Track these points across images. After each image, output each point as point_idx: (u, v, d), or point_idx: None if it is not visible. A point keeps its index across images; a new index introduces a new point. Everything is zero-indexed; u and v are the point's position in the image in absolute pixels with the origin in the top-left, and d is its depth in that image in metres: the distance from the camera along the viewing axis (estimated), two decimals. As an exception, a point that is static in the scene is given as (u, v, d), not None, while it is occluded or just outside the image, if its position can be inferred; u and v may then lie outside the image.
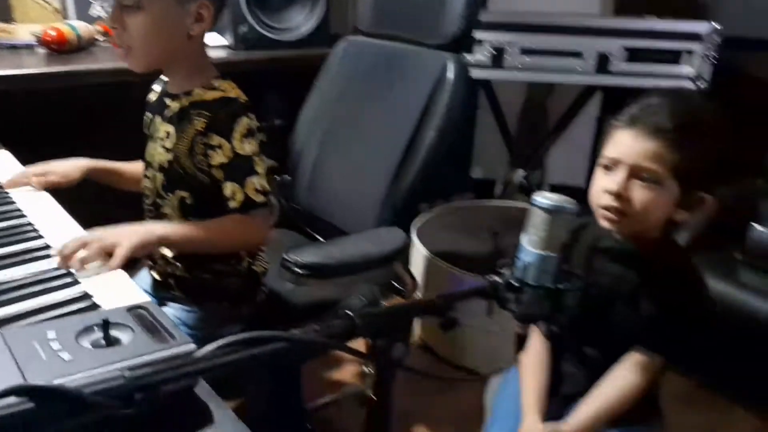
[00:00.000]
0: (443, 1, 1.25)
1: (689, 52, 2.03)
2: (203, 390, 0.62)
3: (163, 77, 1.16)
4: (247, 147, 1.02)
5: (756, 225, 1.74)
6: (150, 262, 1.19)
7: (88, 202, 1.14)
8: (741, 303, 1.65)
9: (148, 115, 1.17)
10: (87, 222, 1.01)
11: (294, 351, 0.47)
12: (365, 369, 1.34)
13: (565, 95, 2.56)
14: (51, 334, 0.61)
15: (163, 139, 1.09)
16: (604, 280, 0.95)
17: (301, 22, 1.95)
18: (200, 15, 1.02)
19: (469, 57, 1.95)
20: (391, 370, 0.56)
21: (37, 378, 0.53)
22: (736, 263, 1.77)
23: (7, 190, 1.11)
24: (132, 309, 0.69)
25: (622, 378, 0.93)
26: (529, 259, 0.72)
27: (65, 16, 1.96)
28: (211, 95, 1.04)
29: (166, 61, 1.07)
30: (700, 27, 2.02)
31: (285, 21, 1.95)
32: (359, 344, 0.57)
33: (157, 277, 1.17)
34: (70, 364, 0.57)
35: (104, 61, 1.67)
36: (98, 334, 0.63)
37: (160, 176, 1.10)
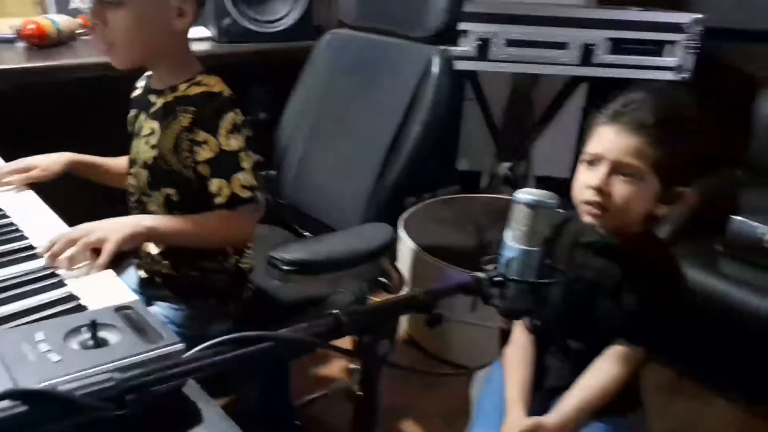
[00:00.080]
0: (427, -5, 1.26)
1: (672, 43, 2.05)
2: (192, 389, 0.63)
3: (147, 73, 1.16)
4: (233, 143, 1.02)
5: (736, 217, 1.77)
6: (136, 260, 1.19)
7: (73, 199, 1.14)
8: (722, 293, 1.67)
9: (133, 111, 1.16)
10: (72, 219, 1.01)
11: (282, 350, 0.48)
12: (352, 366, 1.34)
13: (551, 86, 2.57)
14: (39, 336, 0.62)
15: (147, 135, 1.08)
16: (588, 274, 0.96)
17: (284, 15, 1.95)
18: (182, 10, 1.01)
19: (454, 49, 1.96)
20: (378, 366, 0.57)
21: (27, 380, 0.54)
22: (716, 254, 1.80)
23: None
24: (119, 309, 0.69)
25: (604, 370, 0.95)
26: (512, 255, 0.72)
27: (45, 10, 1.94)
28: (195, 90, 1.04)
29: (150, 57, 1.06)
30: (682, 18, 2.03)
31: (268, 13, 1.94)
32: (346, 341, 0.58)
33: (143, 275, 1.17)
34: (59, 365, 0.57)
35: (85, 55, 1.65)
36: (86, 335, 0.63)
37: (145, 173, 1.09)
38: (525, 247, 0.72)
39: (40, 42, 1.69)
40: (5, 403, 0.39)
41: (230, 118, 1.02)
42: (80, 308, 0.73)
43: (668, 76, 2.06)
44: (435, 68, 1.25)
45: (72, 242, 0.86)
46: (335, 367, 1.80)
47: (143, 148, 1.09)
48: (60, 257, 0.84)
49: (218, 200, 1.01)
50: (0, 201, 1.05)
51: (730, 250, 1.79)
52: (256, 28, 1.89)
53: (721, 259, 1.79)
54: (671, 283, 0.96)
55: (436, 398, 1.68)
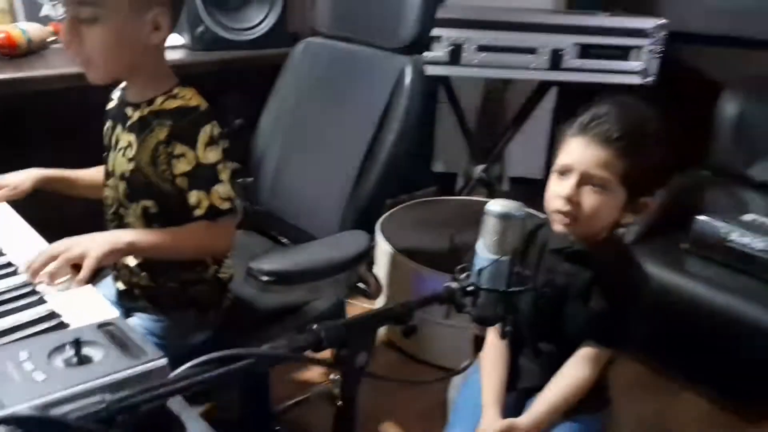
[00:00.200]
0: (399, 6, 1.28)
1: (637, 48, 2.11)
2: (174, 400, 0.65)
3: (122, 84, 1.16)
4: (211, 155, 1.03)
5: (700, 217, 1.83)
6: (114, 272, 1.19)
7: (49, 213, 1.14)
8: (688, 291, 1.73)
9: (108, 123, 1.16)
10: (48, 233, 1.01)
11: (264, 365, 0.50)
12: (332, 376, 1.37)
13: (523, 89, 2.63)
14: (23, 355, 0.62)
15: (124, 148, 1.08)
16: (558, 279, 1.01)
17: (258, 22, 1.95)
18: (157, 24, 1.01)
19: (426, 54, 1.99)
20: (357, 377, 0.59)
21: (14, 400, 0.55)
22: (682, 253, 1.87)
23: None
24: (102, 326, 0.70)
25: (573, 372, 1.00)
26: (483, 264, 0.76)
27: (14, 18, 1.91)
28: (172, 104, 1.05)
29: (126, 71, 1.07)
30: (647, 23, 2.10)
31: (242, 21, 1.94)
32: (326, 352, 0.61)
33: (122, 287, 1.17)
34: (45, 384, 0.58)
35: (57, 65, 1.63)
36: (70, 353, 0.64)
37: (122, 185, 1.09)
38: (496, 257, 0.75)
39: (10, 52, 1.67)
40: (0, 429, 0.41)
41: (207, 130, 1.03)
42: (62, 325, 0.74)
43: (634, 80, 2.13)
44: (408, 78, 1.27)
45: (53, 258, 0.87)
46: (315, 372, 1.82)
47: (120, 161, 1.09)
48: (41, 273, 0.85)
49: (197, 212, 1.02)
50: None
51: (695, 249, 1.85)
52: (230, 36, 1.89)
53: (687, 257, 1.86)
54: (635, 285, 1.00)
55: (414, 400, 1.71)
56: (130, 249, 1.00)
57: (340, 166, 1.34)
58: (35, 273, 0.84)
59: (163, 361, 0.64)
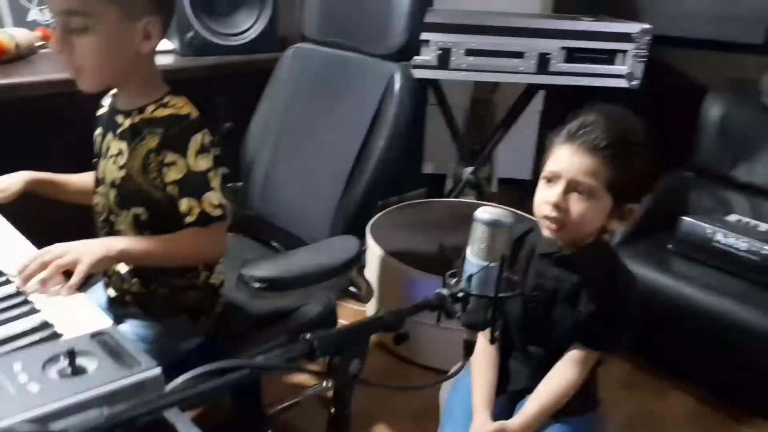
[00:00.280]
0: (387, 14, 1.29)
1: (623, 52, 2.14)
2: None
3: (113, 91, 1.16)
4: (202, 163, 1.03)
5: (686, 218, 1.86)
6: (106, 279, 1.19)
7: (38, 219, 1.14)
8: (674, 291, 1.76)
9: (99, 130, 1.16)
10: (38, 239, 1.01)
11: (258, 374, 0.51)
12: (325, 383, 1.38)
13: (511, 92, 2.65)
14: (17, 367, 0.63)
15: (115, 156, 1.08)
16: (547, 283, 1.02)
17: (248, 28, 1.96)
18: (148, 32, 1.02)
19: (416, 58, 2.01)
20: (350, 385, 0.60)
21: (10, 413, 0.55)
22: (668, 254, 1.90)
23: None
24: (95, 335, 0.71)
25: (562, 374, 1.02)
26: (472, 270, 0.77)
27: (1, 24, 1.90)
28: (163, 112, 1.05)
29: (117, 79, 1.07)
30: (631, 28, 2.13)
31: (232, 26, 1.95)
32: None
33: (113, 294, 1.17)
34: (40, 396, 0.59)
35: (46, 71, 1.63)
36: (64, 363, 0.65)
37: (113, 193, 1.09)
38: (485, 263, 0.77)
39: (-1, 57, 1.66)
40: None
41: (198, 139, 1.03)
42: (55, 335, 0.75)
43: (620, 83, 2.15)
44: (397, 84, 1.29)
45: (44, 264, 0.87)
46: (307, 375, 1.83)
47: (111, 168, 1.09)
48: (32, 279, 0.86)
49: (189, 219, 1.03)
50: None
51: (681, 250, 1.88)
52: (220, 41, 1.90)
53: (673, 257, 1.89)
54: (622, 288, 1.02)
55: (406, 402, 1.72)
56: (122, 256, 1.00)
57: (330, 171, 1.35)
58: (27, 280, 0.85)
59: (157, 371, 0.65)
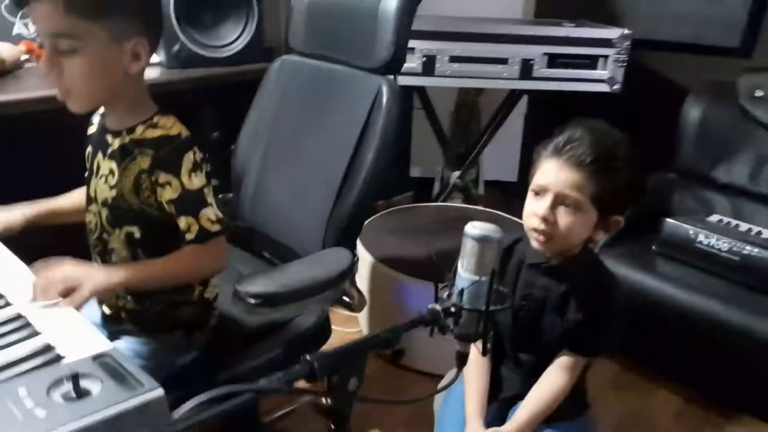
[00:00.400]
0: (374, 29, 1.31)
1: (604, 57, 2.19)
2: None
3: (101, 110, 1.17)
4: (196, 181, 1.04)
5: (670, 220, 1.90)
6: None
7: (32, 240, 1.15)
8: (659, 291, 1.80)
9: (90, 149, 1.17)
10: (31, 260, 1.02)
11: (261, 397, 0.53)
12: (324, 400, 1.38)
13: (495, 96, 2.69)
14: (22, 392, 0.64)
15: (106, 175, 1.09)
16: (536, 292, 1.06)
17: (234, 39, 1.96)
18: (137, 53, 1.02)
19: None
20: (348, 402, 0.62)
21: (19, 440, 0.57)
22: (653, 255, 1.94)
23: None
24: (97, 357, 0.72)
25: (552, 380, 1.05)
26: (464, 284, 0.80)
27: (-15, 39, 1.89)
28: (154, 133, 1.05)
29: (106, 99, 1.07)
30: (612, 33, 2.17)
31: (218, 38, 1.95)
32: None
33: (107, 311, 1.18)
34: (48, 421, 0.60)
35: (33, 87, 1.62)
36: (68, 387, 0.66)
37: (105, 212, 1.10)
38: (476, 278, 0.79)
39: (-15, 74, 1.66)
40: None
41: (190, 157, 1.04)
42: (57, 358, 0.76)
43: (602, 87, 2.20)
44: (385, 97, 1.30)
45: (52, 281, 0.90)
46: (302, 382, 1.84)
47: (102, 188, 1.10)
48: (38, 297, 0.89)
49: (188, 236, 1.04)
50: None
51: (665, 251, 1.92)
52: (206, 53, 1.90)
53: (657, 259, 1.93)
54: (608, 296, 1.06)
55: (399, 407, 1.74)
56: (123, 287, 1.03)
57: (321, 183, 1.37)
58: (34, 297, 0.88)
59: (160, 392, 0.66)
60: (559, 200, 0.97)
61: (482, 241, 0.79)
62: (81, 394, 0.65)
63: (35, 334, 0.81)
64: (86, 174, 1.17)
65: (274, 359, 1.23)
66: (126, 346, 1.13)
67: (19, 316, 0.85)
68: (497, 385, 1.11)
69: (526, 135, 3.12)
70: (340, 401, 0.62)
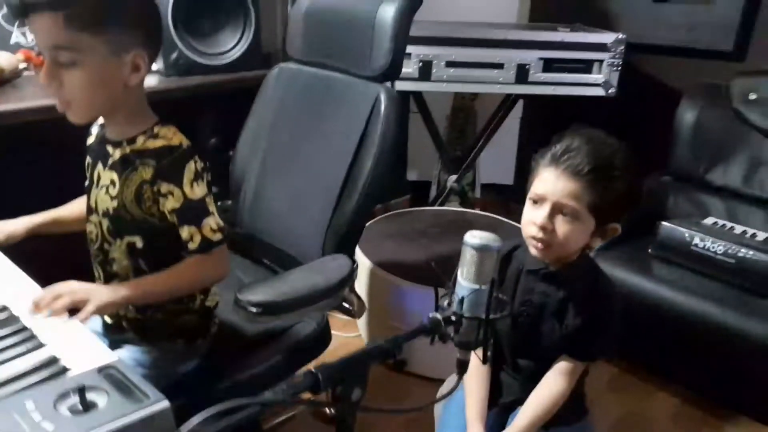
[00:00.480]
0: (371, 37, 1.32)
1: (599, 62, 2.20)
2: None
3: (100, 121, 1.17)
4: (198, 190, 1.05)
5: (665, 223, 1.92)
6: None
7: (35, 251, 1.15)
8: (655, 294, 1.82)
9: (89, 159, 1.18)
10: (32, 269, 1.03)
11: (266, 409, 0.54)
12: (327, 411, 1.39)
13: (491, 100, 2.70)
14: (30, 405, 0.65)
15: (107, 186, 1.10)
16: (535, 298, 1.07)
17: (232, 47, 1.97)
18: (136, 65, 1.03)
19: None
20: (352, 412, 0.63)
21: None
22: (649, 258, 1.95)
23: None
24: (102, 369, 0.73)
25: (551, 385, 1.06)
26: (463, 293, 0.81)
27: (-16, 49, 1.89)
28: (154, 144, 1.06)
29: (106, 111, 1.08)
30: (606, 38, 2.19)
31: (216, 46, 1.96)
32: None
33: (109, 320, 1.19)
34: (55, 434, 0.61)
35: (32, 96, 1.63)
36: (74, 399, 0.67)
37: (105, 222, 1.10)
38: (476, 286, 0.80)
39: (-17, 83, 1.66)
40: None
41: (192, 167, 1.05)
42: (63, 370, 0.76)
43: (597, 92, 2.22)
44: (383, 105, 1.31)
45: (59, 297, 0.91)
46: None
47: (103, 198, 1.10)
48: (44, 310, 0.90)
49: (191, 246, 1.05)
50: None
51: (660, 254, 1.94)
52: (205, 61, 1.91)
53: (653, 262, 1.94)
54: (605, 301, 1.07)
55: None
56: (128, 302, 1.05)
57: (320, 190, 1.37)
58: (39, 309, 0.89)
59: (165, 404, 0.68)
60: (557, 209, 0.98)
61: (482, 250, 0.80)
62: (88, 406, 0.66)
63: (40, 346, 0.81)
64: (86, 184, 1.17)
65: (275, 366, 1.24)
66: (127, 354, 1.14)
67: (24, 328, 0.85)
68: (497, 391, 1.12)
69: (522, 138, 3.13)
70: (343, 411, 0.63)
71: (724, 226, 1.95)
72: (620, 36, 2.18)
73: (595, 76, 2.20)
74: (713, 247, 1.81)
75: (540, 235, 0.99)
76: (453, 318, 0.78)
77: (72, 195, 1.27)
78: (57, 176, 1.26)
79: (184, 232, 1.05)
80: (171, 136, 1.08)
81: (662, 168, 2.25)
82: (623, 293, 1.71)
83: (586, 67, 2.20)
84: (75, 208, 1.27)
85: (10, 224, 1.19)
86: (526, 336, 1.08)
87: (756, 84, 2.07)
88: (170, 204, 1.04)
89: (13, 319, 0.88)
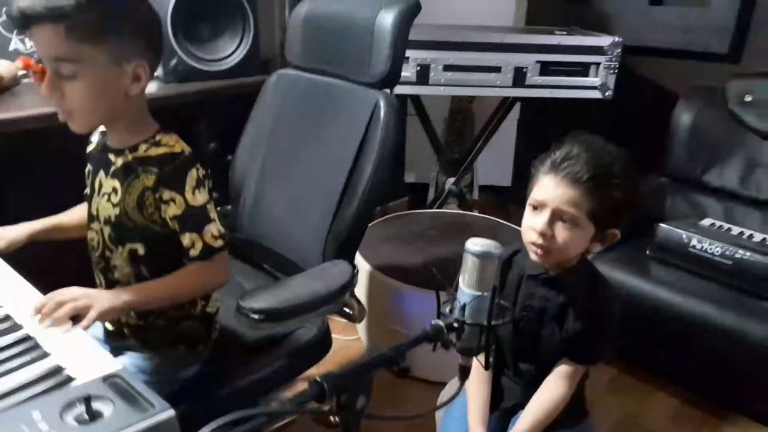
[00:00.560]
0: (370, 44, 1.32)
1: (595, 65, 2.22)
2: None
3: (101, 128, 1.18)
4: (200, 197, 1.06)
5: (663, 225, 1.93)
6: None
7: (36, 259, 1.16)
8: (654, 295, 1.83)
9: (90, 167, 1.18)
10: (36, 279, 1.03)
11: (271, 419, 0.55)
12: (332, 419, 1.40)
13: (489, 103, 2.71)
14: (36, 416, 0.66)
15: (109, 193, 1.10)
16: (535, 303, 1.08)
17: (231, 53, 1.98)
18: (137, 74, 1.03)
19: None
20: (357, 420, 0.64)
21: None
22: (647, 259, 1.96)
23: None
24: (107, 378, 0.74)
25: (552, 389, 1.07)
26: (466, 300, 0.82)
27: (-18, 57, 1.89)
28: (156, 151, 1.07)
29: (107, 120, 1.08)
30: (603, 41, 2.20)
31: (215, 52, 1.96)
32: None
33: (110, 327, 1.19)
34: (63, 444, 0.62)
35: (31, 104, 1.63)
36: (81, 409, 0.67)
37: (107, 229, 1.11)
38: (478, 293, 0.81)
39: (-17, 91, 1.66)
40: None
41: (194, 174, 1.06)
42: (68, 380, 0.77)
43: (594, 94, 2.23)
44: (382, 111, 1.31)
45: (60, 304, 0.91)
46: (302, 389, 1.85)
47: (104, 206, 1.10)
48: (47, 318, 0.90)
49: (193, 252, 1.05)
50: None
51: (658, 255, 1.95)
52: (204, 67, 1.91)
53: (651, 263, 1.95)
54: (605, 305, 1.08)
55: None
56: (130, 308, 1.05)
57: (320, 196, 1.38)
58: (43, 317, 0.89)
59: (171, 413, 0.68)
60: (556, 215, 0.99)
61: (483, 257, 0.80)
62: (93, 416, 0.67)
63: (45, 355, 0.82)
64: (86, 191, 1.18)
65: (276, 371, 1.25)
66: (129, 361, 1.14)
67: (27, 337, 0.86)
68: (498, 395, 1.13)
69: (520, 140, 3.15)
70: (348, 420, 0.64)
71: (721, 227, 1.96)
72: (616, 39, 2.19)
73: (592, 79, 2.22)
74: (711, 249, 1.82)
75: (540, 241, 1.00)
76: (455, 325, 0.78)
77: (72, 202, 1.27)
78: (56, 184, 1.26)
79: (186, 238, 1.05)
80: (173, 144, 1.08)
81: (659, 170, 2.26)
82: (622, 295, 1.73)
83: (582, 70, 2.22)
84: (76, 214, 1.28)
85: (11, 231, 1.19)
86: (526, 340, 1.08)
87: (751, 86, 2.09)
88: (172, 211, 1.05)
89: (16, 327, 0.88)
